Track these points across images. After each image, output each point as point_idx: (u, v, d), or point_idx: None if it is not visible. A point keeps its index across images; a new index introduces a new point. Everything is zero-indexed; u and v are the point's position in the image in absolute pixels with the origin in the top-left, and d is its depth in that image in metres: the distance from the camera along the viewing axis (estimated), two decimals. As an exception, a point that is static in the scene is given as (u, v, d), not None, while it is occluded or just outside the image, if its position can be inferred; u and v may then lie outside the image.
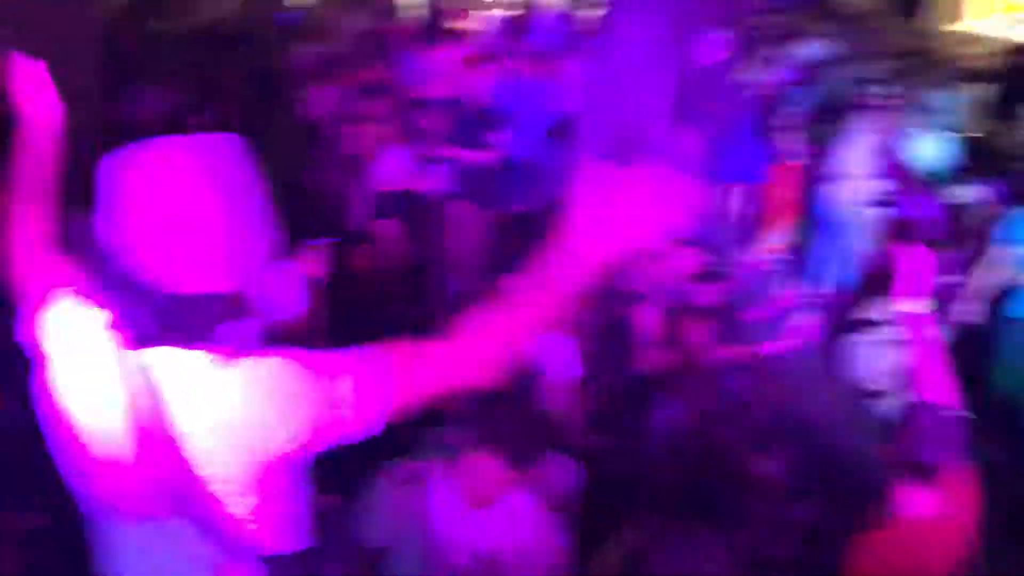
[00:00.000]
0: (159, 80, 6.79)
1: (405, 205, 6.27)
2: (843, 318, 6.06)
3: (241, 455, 1.53)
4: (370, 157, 6.07)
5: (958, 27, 14.28)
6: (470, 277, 6.82)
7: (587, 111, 7.54)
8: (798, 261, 7.99)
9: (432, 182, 6.55)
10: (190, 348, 1.56)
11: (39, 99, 1.99)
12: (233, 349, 1.57)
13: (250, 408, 1.52)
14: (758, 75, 8.38)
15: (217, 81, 7.24)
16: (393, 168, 6.20)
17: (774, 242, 7.76)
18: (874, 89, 7.73)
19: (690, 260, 5.53)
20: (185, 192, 1.46)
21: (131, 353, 1.56)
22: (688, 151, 8.44)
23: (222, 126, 5.83)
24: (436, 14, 12.23)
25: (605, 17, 7.48)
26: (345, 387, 1.53)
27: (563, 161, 8.96)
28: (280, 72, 8.62)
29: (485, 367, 1.56)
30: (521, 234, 7.28)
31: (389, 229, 6.08)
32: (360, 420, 1.54)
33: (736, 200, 8.59)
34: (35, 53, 2.11)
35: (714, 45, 6.83)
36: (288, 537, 1.65)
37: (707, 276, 5.41)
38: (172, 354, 1.56)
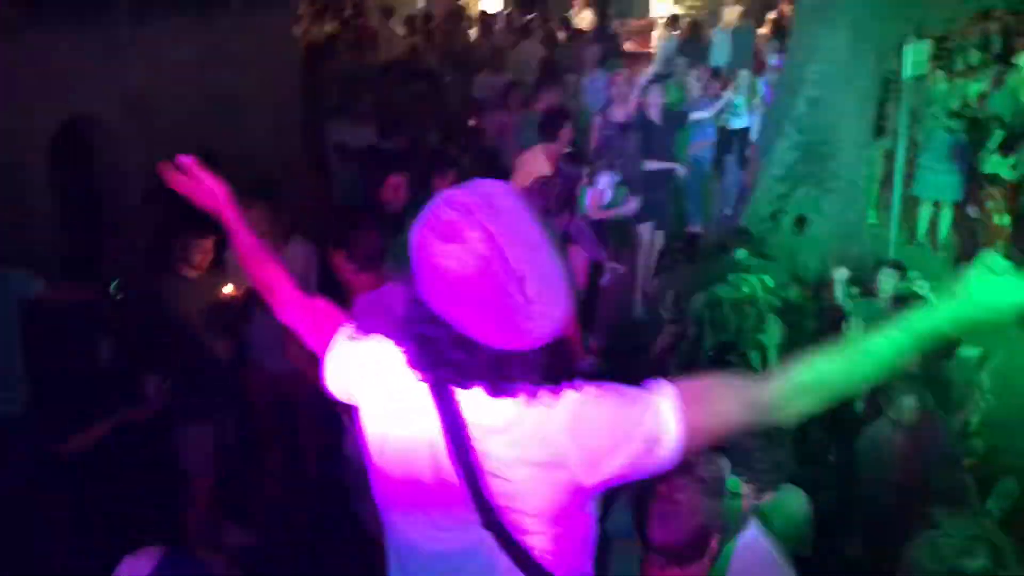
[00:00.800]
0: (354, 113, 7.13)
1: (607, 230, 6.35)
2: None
3: (548, 487, 1.51)
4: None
5: None
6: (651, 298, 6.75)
7: (770, 127, 7.33)
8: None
9: (628, 205, 6.54)
10: (499, 394, 1.50)
11: (204, 187, 1.98)
12: (541, 388, 1.51)
13: (564, 443, 1.49)
14: (956, 89, 7.88)
15: (406, 114, 7.53)
16: (599, 193, 6.26)
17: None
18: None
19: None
20: (492, 252, 1.38)
21: (438, 390, 1.55)
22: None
23: (413, 157, 6.12)
24: (610, 38, 12.30)
25: (793, 30, 7.25)
26: (663, 422, 1.48)
27: (740, 178, 8.81)
28: (462, 103, 8.90)
29: (787, 413, 1.50)
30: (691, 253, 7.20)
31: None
32: (673, 456, 1.50)
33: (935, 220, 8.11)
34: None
35: (915, 56, 6.45)
36: (579, 563, 1.64)
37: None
38: (480, 395, 1.51)
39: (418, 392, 1.58)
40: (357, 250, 3.24)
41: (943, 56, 7.41)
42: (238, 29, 6.97)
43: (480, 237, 1.38)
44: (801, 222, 6.93)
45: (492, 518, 1.53)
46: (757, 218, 7.05)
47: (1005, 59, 9.27)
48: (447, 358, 1.47)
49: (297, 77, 7.92)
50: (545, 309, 1.42)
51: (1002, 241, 7.14)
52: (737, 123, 8.79)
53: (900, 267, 5.55)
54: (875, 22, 6.56)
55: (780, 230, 6.96)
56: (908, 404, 4.28)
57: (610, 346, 6.30)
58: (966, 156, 7.48)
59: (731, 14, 12.39)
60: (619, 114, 7.04)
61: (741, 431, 1.59)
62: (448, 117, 8.39)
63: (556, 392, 1.51)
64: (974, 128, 7.33)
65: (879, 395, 4.49)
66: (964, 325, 1.44)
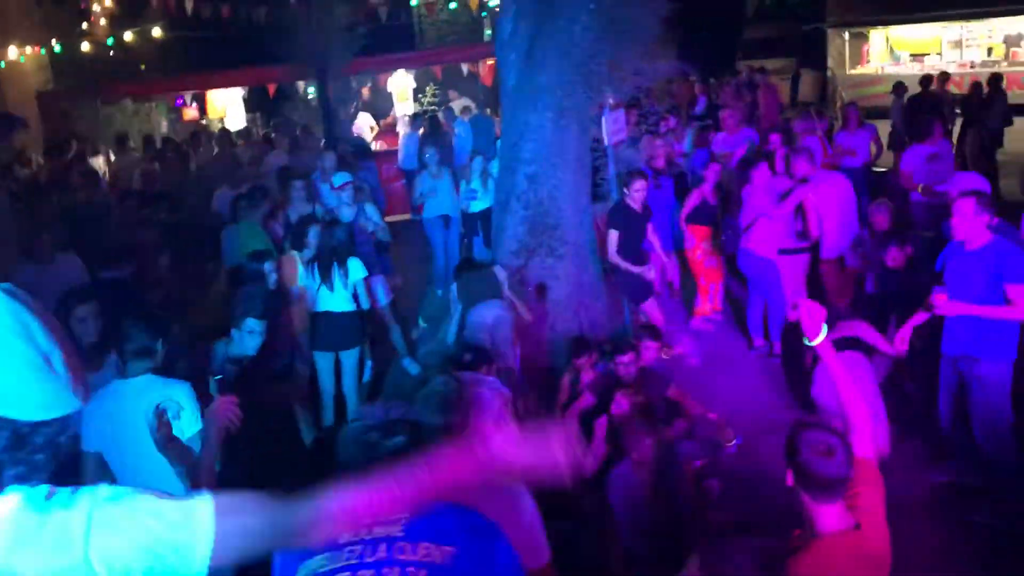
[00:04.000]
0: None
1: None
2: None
3: None
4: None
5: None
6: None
7: (499, 206, 7.72)
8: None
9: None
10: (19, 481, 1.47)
11: None
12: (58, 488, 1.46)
13: (80, 551, 1.40)
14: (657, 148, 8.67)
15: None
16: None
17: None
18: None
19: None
20: None
21: None
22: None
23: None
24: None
25: (503, 114, 7.78)
26: (194, 532, 1.46)
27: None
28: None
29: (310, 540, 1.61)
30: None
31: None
32: (202, 565, 1.46)
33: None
34: None
35: (613, 124, 7.07)
36: None
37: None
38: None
39: None
40: None
41: (642, 120, 8.12)
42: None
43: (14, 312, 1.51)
44: (542, 289, 7.32)
45: None
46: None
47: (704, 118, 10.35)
48: None
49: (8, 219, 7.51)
50: (71, 384, 1.53)
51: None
52: (476, 207, 9.21)
53: None
54: (571, 97, 7.13)
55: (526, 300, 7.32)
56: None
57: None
58: (678, 208, 8.20)
59: (461, 104, 13.03)
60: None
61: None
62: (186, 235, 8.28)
63: (71, 492, 1.46)
64: (680, 182, 8.07)
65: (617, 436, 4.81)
66: None
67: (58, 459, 1.51)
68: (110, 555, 1.41)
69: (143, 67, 17.64)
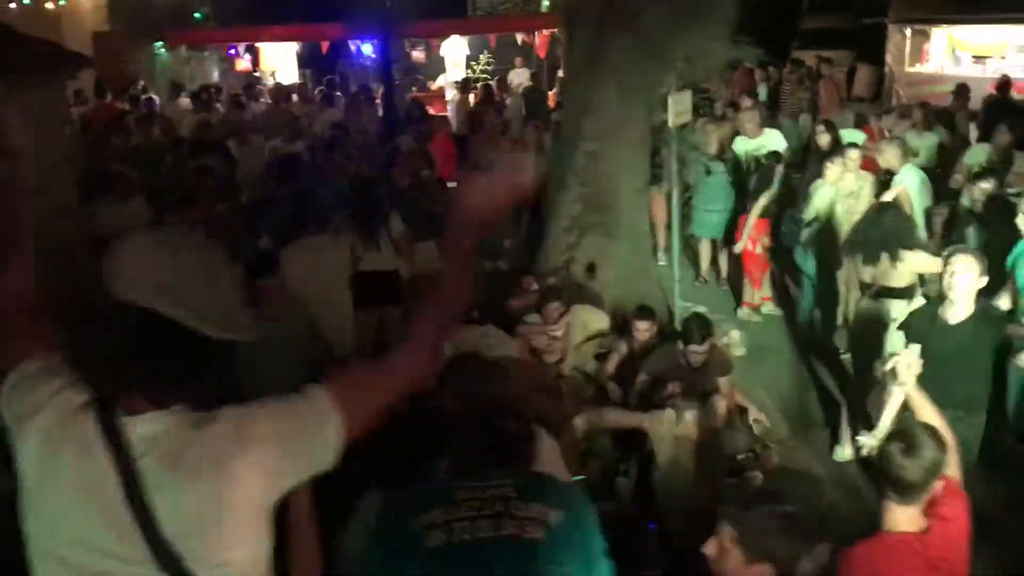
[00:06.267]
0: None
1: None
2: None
3: (228, 517, 1.48)
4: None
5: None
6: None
7: (554, 180, 7.64)
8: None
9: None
10: (169, 398, 1.51)
11: None
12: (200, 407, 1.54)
13: (236, 464, 1.48)
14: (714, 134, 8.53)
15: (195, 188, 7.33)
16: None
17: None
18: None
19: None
20: None
21: (104, 417, 1.50)
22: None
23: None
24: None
25: (566, 87, 7.64)
26: (324, 419, 1.55)
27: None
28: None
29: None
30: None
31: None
32: (340, 447, 1.57)
33: (716, 256, 8.65)
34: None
35: (677, 106, 6.96)
36: None
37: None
38: (143, 421, 1.49)
39: (79, 424, 1.51)
40: None
41: (705, 105, 7.99)
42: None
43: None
44: (592, 268, 7.25)
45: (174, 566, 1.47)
46: (550, 267, 7.32)
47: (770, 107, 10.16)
48: (139, 354, 1.46)
49: (75, 157, 7.49)
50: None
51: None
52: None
53: None
54: (640, 76, 7.02)
55: (572, 277, 7.26)
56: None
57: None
58: (731, 195, 8.08)
59: (519, 78, 12.89)
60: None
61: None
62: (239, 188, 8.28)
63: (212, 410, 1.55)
64: (735, 169, 7.96)
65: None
66: None
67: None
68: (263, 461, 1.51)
69: (197, 15, 17.58)
